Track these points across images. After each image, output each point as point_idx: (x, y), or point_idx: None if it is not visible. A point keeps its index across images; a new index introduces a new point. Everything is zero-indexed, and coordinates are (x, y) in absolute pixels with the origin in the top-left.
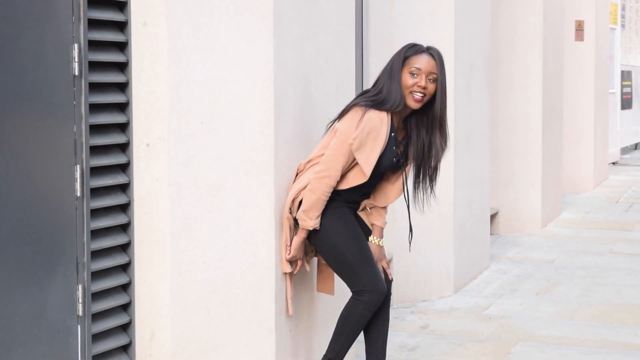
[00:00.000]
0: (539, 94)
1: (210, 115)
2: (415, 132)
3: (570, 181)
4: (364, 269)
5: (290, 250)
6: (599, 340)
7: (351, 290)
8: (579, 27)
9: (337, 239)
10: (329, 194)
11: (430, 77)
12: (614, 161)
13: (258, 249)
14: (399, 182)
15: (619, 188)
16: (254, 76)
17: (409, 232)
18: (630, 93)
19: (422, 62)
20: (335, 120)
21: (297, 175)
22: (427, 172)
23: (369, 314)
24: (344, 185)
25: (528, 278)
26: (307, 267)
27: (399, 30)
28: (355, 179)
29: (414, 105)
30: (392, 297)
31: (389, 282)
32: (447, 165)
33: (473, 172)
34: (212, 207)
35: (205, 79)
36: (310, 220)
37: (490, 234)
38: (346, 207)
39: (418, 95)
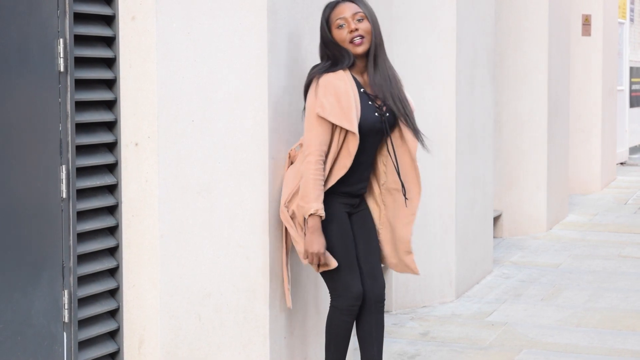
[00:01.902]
0: (545, 91)
1: (202, 114)
2: (372, 76)
3: (576, 182)
4: (342, 274)
5: (306, 255)
6: (606, 348)
7: (329, 295)
8: (586, 22)
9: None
10: (321, 172)
11: (357, 17)
12: (622, 161)
13: (251, 252)
14: (405, 141)
15: (627, 189)
16: (247, 73)
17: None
18: None
19: (342, 10)
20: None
21: (290, 163)
22: (399, 110)
23: (348, 319)
24: (340, 171)
25: (533, 283)
26: (334, 264)
27: (399, 25)
28: (346, 155)
29: (359, 50)
30: (391, 303)
31: (380, 286)
32: (449, 165)
33: (476, 173)
34: (204, 209)
35: (196, 76)
36: (307, 204)
37: (494, 237)
38: (342, 205)
39: (356, 40)
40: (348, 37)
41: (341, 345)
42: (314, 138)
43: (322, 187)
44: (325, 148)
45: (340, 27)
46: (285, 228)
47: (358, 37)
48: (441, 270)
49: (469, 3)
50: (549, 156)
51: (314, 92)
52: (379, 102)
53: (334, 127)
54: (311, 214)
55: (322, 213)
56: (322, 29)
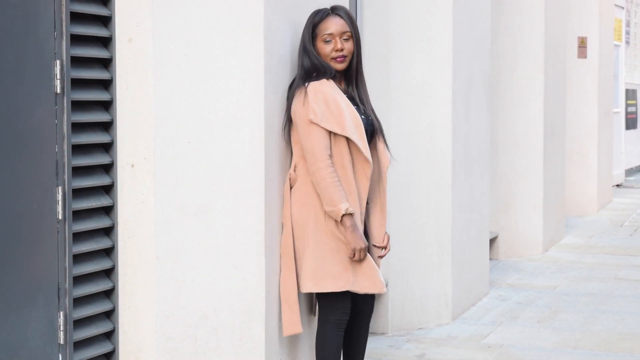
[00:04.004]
0: (541, 113)
1: (198, 135)
2: (353, 91)
3: (573, 204)
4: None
5: (354, 253)
6: None
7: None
8: (582, 44)
9: None
10: (335, 174)
11: (344, 36)
12: (618, 183)
13: (247, 274)
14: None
15: (623, 211)
16: (244, 94)
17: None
18: (635, 112)
19: (331, 25)
20: (284, 121)
21: (290, 187)
22: (377, 123)
23: (339, 333)
24: (364, 186)
25: (529, 305)
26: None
27: (395, 46)
28: (363, 171)
29: (339, 67)
30: (387, 324)
31: (372, 299)
32: (445, 187)
33: (472, 194)
34: (200, 231)
35: (193, 97)
36: (336, 206)
37: (490, 259)
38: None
39: (339, 59)
40: (332, 54)
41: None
42: (316, 144)
43: (341, 187)
44: (328, 152)
45: (326, 42)
46: (295, 252)
47: (341, 56)
48: (437, 292)
49: (465, 25)
50: (545, 178)
51: (302, 101)
52: (362, 110)
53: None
54: (344, 214)
55: (353, 209)
56: (306, 35)
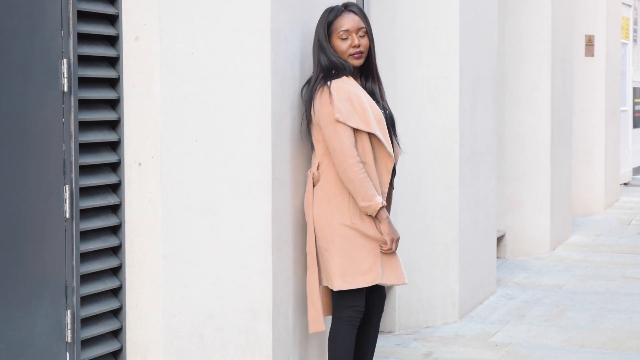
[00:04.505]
0: (548, 112)
1: (205, 134)
2: (371, 85)
3: (580, 203)
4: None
5: (391, 244)
6: None
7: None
8: (589, 42)
9: None
10: (364, 170)
11: (359, 33)
12: (625, 182)
13: (254, 273)
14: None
15: (630, 210)
16: (251, 93)
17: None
18: None
19: (347, 22)
20: (303, 121)
21: (313, 185)
22: (393, 118)
23: (353, 329)
24: (385, 180)
25: (536, 304)
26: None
27: (402, 45)
28: (386, 165)
29: (356, 63)
30: (394, 323)
31: (383, 297)
32: (452, 186)
33: (478, 193)
34: (207, 229)
35: (199, 95)
36: (372, 200)
37: (497, 257)
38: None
39: (357, 55)
40: (350, 50)
41: (347, 358)
42: (344, 143)
43: (370, 182)
44: (354, 148)
45: (343, 39)
46: (317, 251)
47: (358, 52)
48: (444, 290)
49: (472, 24)
50: (552, 177)
51: (327, 100)
52: (382, 105)
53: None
54: (380, 208)
55: (384, 202)
56: (321, 33)
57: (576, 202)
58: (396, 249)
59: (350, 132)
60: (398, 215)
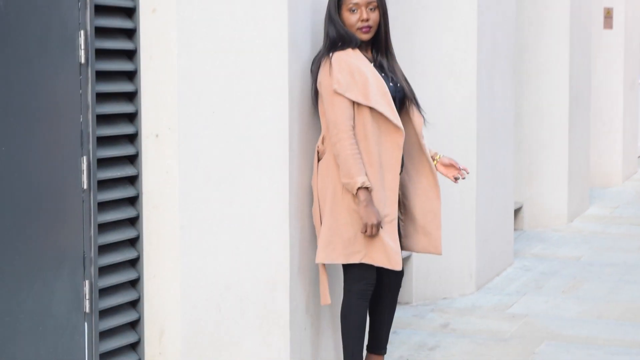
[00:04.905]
0: (566, 84)
1: (223, 105)
2: (383, 60)
3: (597, 175)
4: None
5: (366, 228)
6: (627, 340)
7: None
8: (608, 15)
9: None
10: (356, 146)
11: (369, 7)
12: None
13: (272, 244)
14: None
15: None
16: (268, 65)
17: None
18: None
19: None
20: (312, 93)
21: (318, 159)
22: (408, 88)
23: (364, 303)
24: (395, 156)
25: (553, 275)
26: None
27: (419, 17)
28: (394, 140)
29: (364, 37)
30: (411, 294)
31: (400, 273)
32: (469, 158)
33: (496, 165)
34: (224, 201)
35: (217, 67)
36: (353, 179)
37: (514, 229)
38: None
39: (364, 29)
40: (358, 24)
41: (358, 331)
42: (339, 115)
43: (361, 160)
44: (351, 122)
45: (352, 11)
46: (321, 224)
47: (367, 27)
48: (461, 262)
49: None
50: (570, 149)
51: (328, 71)
52: (390, 78)
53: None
54: (359, 188)
55: (369, 184)
56: (331, 5)
57: (594, 175)
58: (375, 234)
59: (348, 105)
60: None
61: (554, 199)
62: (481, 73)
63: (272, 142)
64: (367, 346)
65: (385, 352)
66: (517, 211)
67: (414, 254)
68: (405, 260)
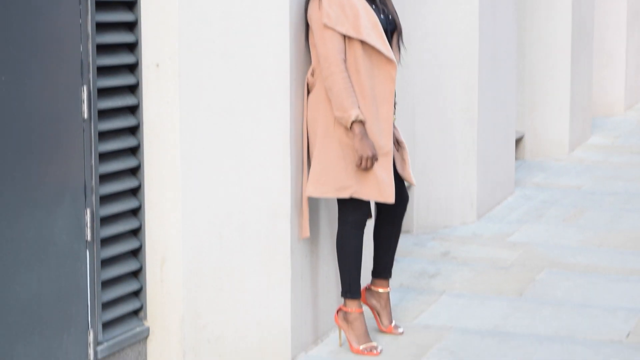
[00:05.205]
0: (569, 13)
1: (223, 34)
2: None
3: (599, 104)
4: None
5: (361, 161)
6: (628, 268)
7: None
8: None
9: None
10: (348, 79)
11: None
12: None
13: (272, 173)
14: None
15: None
16: None
17: None
18: None
19: None
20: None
21: (308, 92)
22: (398, 24)
23: (359, 232)
24: (389, 88)
25: (554, 204)
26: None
27: None
28: (387, 73)
29: None
30: (412, 223)
31: (405, 200)
32: (471, 87)
33: (498, 95)
34: (225, 130)
35: None
36: (346, 112)
37: (516, 158)
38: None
39: None
40: None
41: (355, 261)
42: (330, 49)
43: (354, 93)
44: (342, 56)
45: None
46: (308, 155)
47: None
48: (463, 191)
49: None
50: (572, 78)
51: (317, 5)
52: (381, 9)
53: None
54: (353, 121)
55: (363, 117)
56: None
57: (596, 104)
58: (370, 167)
59: (339, 39)
60: (418, 115)
61: (556, 129)
62: (483, 2)
63: (273, 70)
64: (372, 271)
65: (390, 276)
66: (518, 141)
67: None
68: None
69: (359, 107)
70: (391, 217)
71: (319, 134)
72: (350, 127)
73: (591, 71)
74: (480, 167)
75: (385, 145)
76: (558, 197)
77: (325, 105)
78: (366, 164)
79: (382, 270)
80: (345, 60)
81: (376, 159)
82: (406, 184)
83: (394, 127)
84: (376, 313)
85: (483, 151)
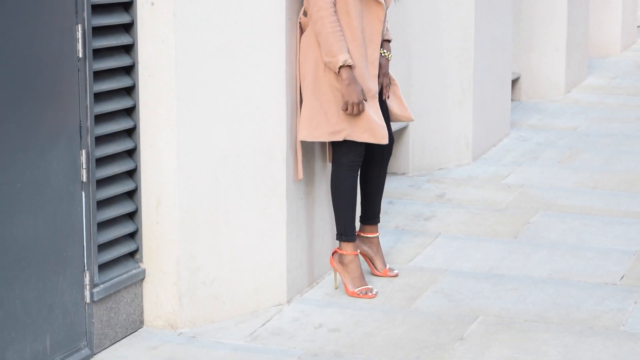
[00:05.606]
0: None
1: None
2: None
3: (596, 45)
4: None
5: (348, 106)
6: (622, 210)
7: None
8: None
9: None
10: (337, 23)
11: None
12: None
13: (268, 115)
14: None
15: None
16: None
17: None
18: None
19: None
20: None
21: (301, 33)
22: None
23: (353, 174)
24: (377, 30)
25: (550, 146)
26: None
27: None
28: (375, 14)
29: None
30: (408, 165)
31: (391, 141)
32: (467, 27)
33: (494, 35)
34: (221, 70)
35: None
36: (335, 57)
37: (511, 100)
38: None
39: None
40: None
41: (350, 203)
42: None
43: (343, 37)
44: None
45: None
46: (301, 99)
47: None
48: (458, 132)
49: None
50: (568, 19)
51: None
52: None
53: None
54: (341, 66)
55: (351, 62)
56: None
57: (592, 44)
58: (357, 113)
59: None
60: (413, 56)
61: (552, 69)
62: None
63: (269, 10)
64: (361, 217)
65: (378, 222)
66: (514, 82)
67: (410, 125)
68: (402, 130)
69: (348, 52)
70: (379, 159)
71: (310, 76)
72: (338, 72)
73: (588, 12)
74: (476, 108)
75: (372, 88)
76: (553, 138)
77: (315, 47)
78: (352, 109)
79: (372, 215)
80: (335, 3)
81: (363, 106)
82: (401, 124)
83: (387, 64)
84: (369, 259)
85: (479, 92)
